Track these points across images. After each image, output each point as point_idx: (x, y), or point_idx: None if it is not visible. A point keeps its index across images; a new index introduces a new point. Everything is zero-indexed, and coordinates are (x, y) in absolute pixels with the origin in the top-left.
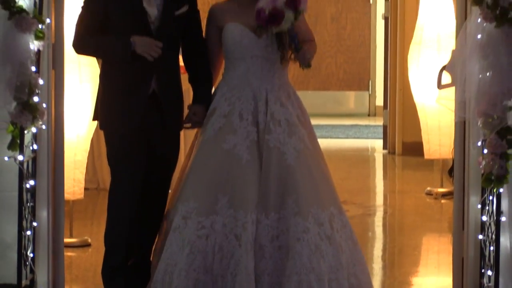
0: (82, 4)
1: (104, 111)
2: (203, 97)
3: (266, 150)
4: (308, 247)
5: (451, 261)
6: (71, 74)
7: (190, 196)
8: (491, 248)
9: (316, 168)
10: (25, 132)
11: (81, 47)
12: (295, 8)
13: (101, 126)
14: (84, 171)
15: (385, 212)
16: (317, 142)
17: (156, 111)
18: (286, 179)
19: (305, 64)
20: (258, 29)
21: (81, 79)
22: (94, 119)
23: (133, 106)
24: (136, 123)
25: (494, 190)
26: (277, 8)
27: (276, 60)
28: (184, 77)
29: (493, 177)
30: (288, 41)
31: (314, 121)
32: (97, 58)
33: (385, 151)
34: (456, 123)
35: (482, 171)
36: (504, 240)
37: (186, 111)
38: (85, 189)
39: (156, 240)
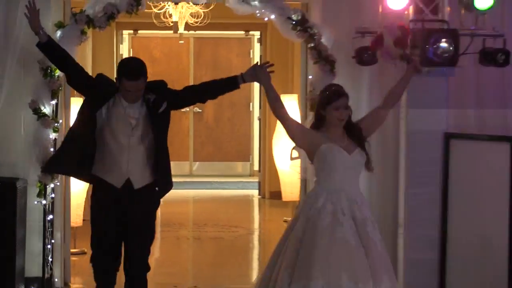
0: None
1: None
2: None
3: (367, 239)
4: None
5: None
6: None
7: (319, 276)
8: None
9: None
10: (47, 186)
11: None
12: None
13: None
14: (83, 209)
15: (260, 232)
16: None
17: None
18: (383, 261)
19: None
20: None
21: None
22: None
23: (106, 198)
24: (110, 207)
25: None
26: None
27: (359, 170)
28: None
29: None
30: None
31: (220, 179)
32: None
33: (260, 196)
34: (301, 180)
35: None
36: None
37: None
38: (83, 220)
39: None
